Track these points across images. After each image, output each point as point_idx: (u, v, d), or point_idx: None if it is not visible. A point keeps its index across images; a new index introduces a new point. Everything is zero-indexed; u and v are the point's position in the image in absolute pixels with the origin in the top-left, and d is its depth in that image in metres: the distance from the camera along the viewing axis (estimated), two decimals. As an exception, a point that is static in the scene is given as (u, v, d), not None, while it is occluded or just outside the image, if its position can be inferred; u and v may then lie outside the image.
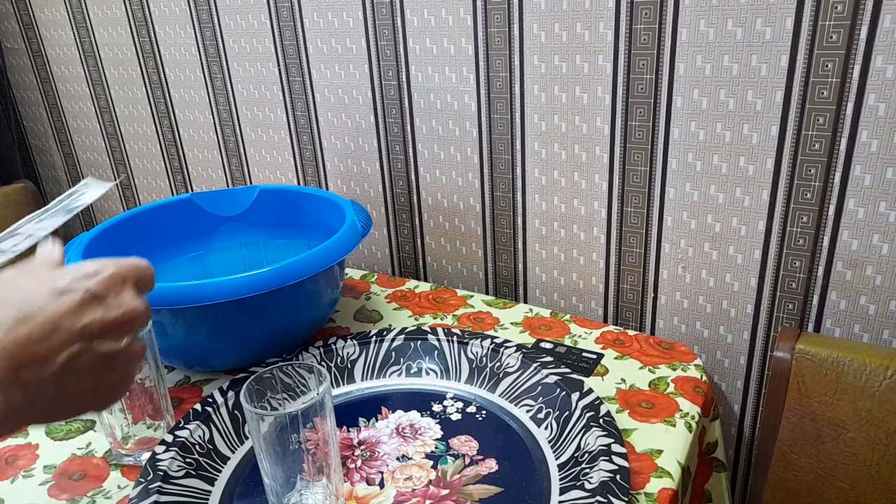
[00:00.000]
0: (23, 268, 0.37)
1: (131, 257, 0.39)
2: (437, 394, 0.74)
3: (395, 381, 0.76)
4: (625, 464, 0.58)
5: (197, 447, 0.64)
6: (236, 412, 0.69)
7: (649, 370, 0.76)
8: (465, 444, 0.66)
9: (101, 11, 1.23)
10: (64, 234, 1.59)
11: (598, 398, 0.67)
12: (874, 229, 0.73)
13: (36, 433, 0.70)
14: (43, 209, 0.53)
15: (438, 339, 0.78)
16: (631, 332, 0.84)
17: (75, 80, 1.35)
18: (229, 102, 1.16)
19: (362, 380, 0.77)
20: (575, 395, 0.67)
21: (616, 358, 0.79)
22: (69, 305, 0.34)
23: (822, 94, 0.70)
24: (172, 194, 1.35)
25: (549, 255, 0.96)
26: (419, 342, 0.78)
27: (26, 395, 0.32)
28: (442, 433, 0.68)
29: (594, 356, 0.79)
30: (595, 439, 0.61)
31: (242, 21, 1.07)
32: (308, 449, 0.52)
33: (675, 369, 0.76)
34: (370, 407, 0.72)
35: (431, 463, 0.64)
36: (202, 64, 1.16)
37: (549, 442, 0.65)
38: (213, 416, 0.67)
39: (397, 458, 0.65)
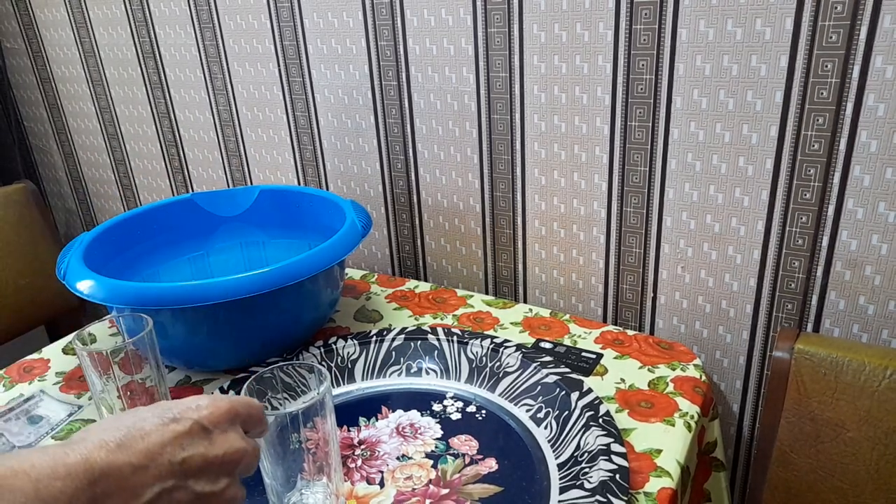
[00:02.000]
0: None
1: (246, 397, 0.38)
2: (437, 393, 0.74)
3: (395, 381, 0.76)
4: (624, 463, 0.58)
5: (197, 447, 0.64)
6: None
7: (649, 370, 0.76)
8: (465, 444, 0.66)
9: (102, 11, 1.23)
10: (64, 234, 1.59)
11: (597, 398, 0.67)
12: (873, 229, 0.73)
13: (42, 436, 0.70)
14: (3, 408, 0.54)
15: (438, 339, 0.78)
16: (630, 332, 0.84)
17: (75, 81, 1.35)
18: (229, 103, 1.16)
19: (362, 379, 0.77)
20: (574, 395, 0.67)
21: (615, 358, 0.79)
22: (175, 433, 0.32)
23: (822, 94, 0.70)
24: (173, 194, 1.35)
25: (548, 256, 0.96)
26: (419, 342, 0.79)
27: None
28: (442, 433, 0.68)
29: (594, 356, 0.79)
30: (594, 439, 0.61)
31: (242, 21, 1.07)
32: (308, 448, 0.52)
33: (674, 369, 0.76)
34: (370, 406, 0.72)
35: (431, 462, 0.64)
36: (202, 64, 1.16)
37: (549, 441, 0.65)
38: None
39: (397, 458, 0.65)
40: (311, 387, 0.57)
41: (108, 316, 0.92)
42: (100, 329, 0.65)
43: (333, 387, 0.76)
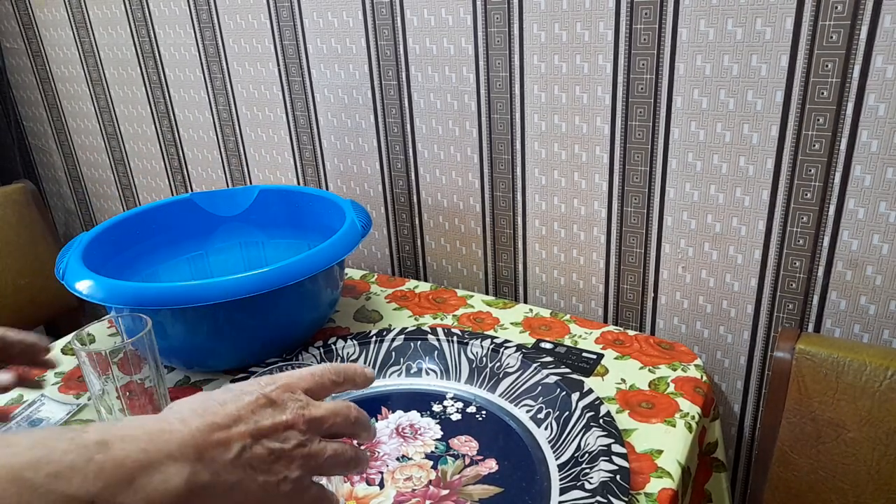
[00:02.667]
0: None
1: (310, 368, 0.44)
2: (437, 394, 0.74)
3: (395, 382, 0.76)
4: (625, 464, 0.58)
5: (197, 447, 0.64)
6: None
7: (649, 370, 0.76)
8: (465, 445, 0.66)
9: (101, 11, 1.23)
10: (63, 234, 1.59)
11: (598, 398, 0.67)
12: (874, 229, 0.73)
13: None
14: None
15: (438, 340, 0.78)
16: (631, 333, 0.84)
17: (75, 80, 1.35)
18: (229, 102, 1.16)
19: (362, 380, 0.76)
20: (575, 396, 0.67)
21: (616, 358, 0.79)
22: (246, 403, 0.39)
23: (823, 94, 0.70)
24: (172, 194, 1.34)
25: (549, 255, 0.96)
26: (419, 342, 0.78)
27: (210, 474, 0.36)
28: (442, 433, 0.68)
29: (594, 356, 0.79)
30: (595, 439, 0.61)
31: (242, 21, 1.07)
32: None
33: (675, 369, 0.76)
34: (370, 407, 0.72)
35: (431, 463, 0.64)
36: (202, 64, 1.16)
37: (549, 442, 0.65)
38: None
39: (397, 459, 0.64)
40: None
41: (108, 316, 0.92)
42: (99, 329, 0.65)
43: (333, 387, 0.75)
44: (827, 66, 0.69)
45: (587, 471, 0.59)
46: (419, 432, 0.68)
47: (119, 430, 0.34)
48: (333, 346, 0.78)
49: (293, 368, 0.55)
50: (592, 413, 0.64)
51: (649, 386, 0.73)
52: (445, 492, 0.60)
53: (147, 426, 0.35)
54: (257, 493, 0.38)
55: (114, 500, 0.32)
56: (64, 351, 0.87)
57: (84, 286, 0.70)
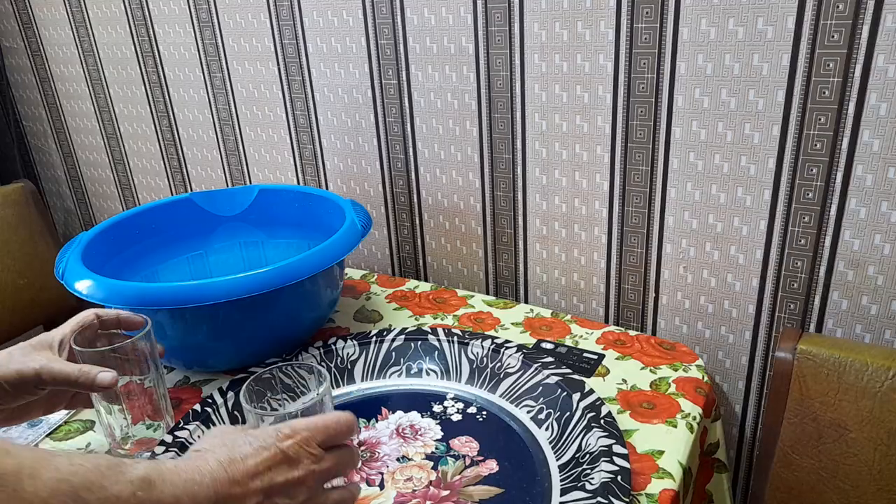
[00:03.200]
0: (229, 427, 0.50)
1: (328, 415, 0.48)
2: (437, 394, 0.73)
3: (395, 382, 0.76)
4: (626, 465, 0.58)
5: (196, 448, 0.64)
6: (236, 413, 0.69)
7: (650, 371, 0.76)
8: (466, 445, 0.66)
9: (101, 10, 1.23)
10: (63, 233, 1.59)
11: (599, 399, 0.66)
12: (876, 229, 0.73)
13: (39, 436, 0.70)
14: None
15: (439, 340, 0.78)
16: (632, 333, 0.84)
17: (74, 80, 1.35)
18: (229, 102, 1.16)
19: (362, 380, 0.76)
20: (576, 396, 0.67)
21: (617, 358, 0.78)
22: (263, 459, 0.43)
23: (824, 93, 0.70)
24: (171, 194, 1.34)
25: (549, 255, 0.95)
26: (419, 342, 0.78)
27: None
28: (442, 434, 0.67)
29: (595, 357, 0.78)
30: (596, 440, 0.61)
31: (242, 20, 1.07)
32: None
33: (676, 370, 0.76)
34: (370, 407, 0.72)
35: (432, 464, 0.64)
36: (201, 63, 1.15)
37: (550, 443, 0.65)
38: (213, 417, 0.67)
39: (397, 459, 0.64)
40: (310, 387, 0.56)
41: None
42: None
43: (333, 388, 0.75)
44: (828, 65, 0.69)
45: (588, 471, 0.58)
46: (419, 433, 0.68)
47: (162, 472, 0.40)
48: (333, 347, 0.78)
49: (292, 369, 0.56)
50: (593, 413, 0.64)
51: (650, 386, 0.73)
52: (446, 492, 0.60)
53: (182, 473, 0.40)
54: None
55: None
56: (63, 351, 0.86)
57: (83, 286, 0.70)
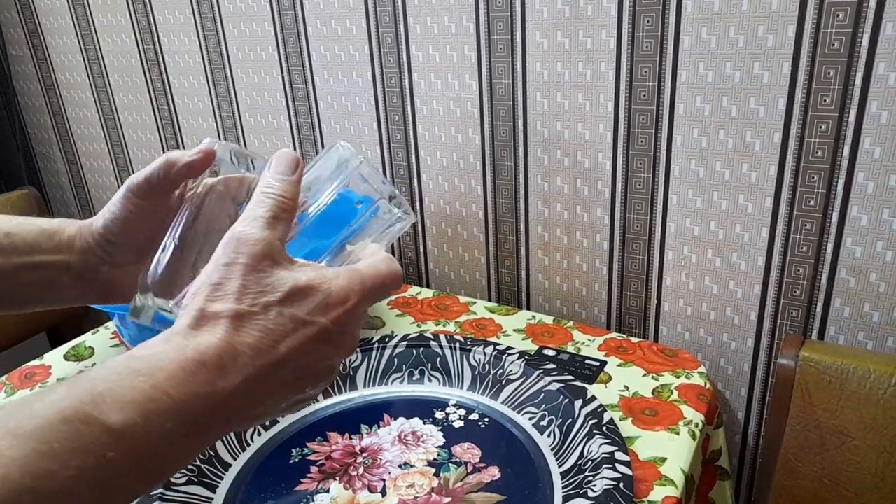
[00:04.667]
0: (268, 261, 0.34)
1: (378, 266, 0.37)
2: (439, 401, 0.74)
3: (397, 389, 0.76)
4: (628, 472, 0.58)
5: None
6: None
7: (653, 377, 0.76)
8: (468, 452, 0.66)
9: (106, 19, 1.24)
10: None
11: (601, 406, 0.66)
12: (878, 236, 0.73)
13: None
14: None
15: (441, 346, 0.78)
16: (634, 340, 0.84)
17: (79, 87, 1.36)
18: (233, 109, 1.17)
19: (364, 387, 0.76)
20: (578, 403, 0.67)
21: (619, 365, 0.78)
22: (301, 342, 0.33)
23: (825, 101, 0.70)
24: (176, 201, 1.35)
25: (551, 262, 0.96)
26: (421, 349, 0.78)
27: (241, 424, 0.33)
28: (444, 440, 0.67)
29: (597, 363, 0.78)
30: (598, 447, 0.61)
31: (246, 29, 1.08)
32: None
33: (678, 377, 0.76)
34: (372, 414, 0.72)
35: (434, 470, 0.64)
36: (206, 71, 1.16)
37: (552, 449, 0.65)
38: (216, 423, 0.67)
39: (399, 466, 0.64)
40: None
41: (109, 322, 0.92)
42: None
43: (334, 394, 0.75)
44: (829, 73, 0.69)
45: (590, 478, 0.58)
46: (421, 439, 0.68)
47: (144, 407, 0.28)
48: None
49: None
50: (595, 420, 0.64)
51: (652, 393, 0.73)
52: (448, 499, 0.60)
53: (178, 391, 0.29)
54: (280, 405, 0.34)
55: (134, 475, 0.28)
56: (66, 357, 0.87)
57: (87, 292, 0.70)
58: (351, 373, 0.77)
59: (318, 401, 0.72)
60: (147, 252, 0.44)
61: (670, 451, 0.64)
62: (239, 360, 0.31)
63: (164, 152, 1.34)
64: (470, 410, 0.72)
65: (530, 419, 0.69)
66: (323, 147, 1.10)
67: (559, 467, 0.62)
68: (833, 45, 0.68)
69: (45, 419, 0.26)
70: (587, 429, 0.63)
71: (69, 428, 0.27)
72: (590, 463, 0.60)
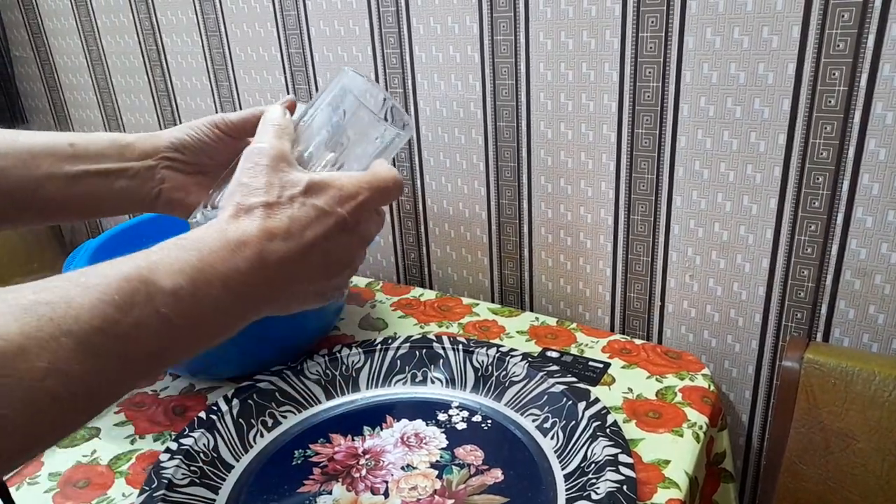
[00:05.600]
0: (287, 169, 0.40)
1: (379, 170, 0.41)
2: (442, 403, 0.73)
3: (400, 390, 0.76)
4: (632, 474, 0.58)
5: (201, 455, 0.64)
6: (241, 420, 0.69)
7: (656, 379, 0.76)
8: (471, 454, 0.66)
9: (109, 20, 1.24)
10: (70, 240, 1.60)
11: (604, 408, 0.66)
12: (883, 238, 0.72)
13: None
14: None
15: (444, 348, 0.78)
16: (638, 342, 0.84)
17: (83, 88, 1.36)
18: (235, 110, 1.16)
19: (367, 388, 0.76)
20: (581, 405, 0.67)
21: (623, 367, 0.78)
22: (325, 229, 0.38)
23: (830, 102, 0.70)
24: (178, 202, 1.35)
25: (555, 264, 0.95)
26: (424, 350, 0.78)
27: (274, 305, 0.38)
28: (447, 442, 0.67)
29: (601, 365, 0.78)
30: (602, 449, 0.61)
31: (249, 30, 1.08)
32: None
33: (682, 379, 0.76)
34: (375, 416, 0.72)
35: (436, 472, 0.63)
36: (209, 72, 1.16)
37: (556, 452, 0.65)
38: (218, 425, 0.67)
39: (402, 468, 0.64)
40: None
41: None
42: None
43: (336, 395, 0.75)
44: (834, 74, 0.69)
45: (594, 481, 0.58)
46: (424, 441, 0.68)
47: (193, 276, 0.33)
48: (338, 355, 0.78)
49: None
50: (599, 423, 0.64)
51: (656, 395, 0.73)
52: (451, 501, 0.60)
53: (221, 267, 0.34)
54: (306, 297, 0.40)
55: (182, 347, 0.34)
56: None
57: (90, 293, 0.70)
58: (354, 374, 0.77)
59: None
60: (207, 175, 0.52)
61: (674, 453, 0.64)
62: (274, 242, 0.36)
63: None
64: (473, 412, 0.72)
65: (533, 421, 0.69)
66: (326, 148, 1.09)
67: (562, 470, 0.62)
68: (838, 45, 0.67)
69: (110, 277, 0.31)
70: (590, 431, 0.63)
71: (129, 286, 0.31)
72: (593, 465, 0.60)
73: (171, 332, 0.32)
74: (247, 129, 0.51)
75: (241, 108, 1.15)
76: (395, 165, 1.03)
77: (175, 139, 0.52)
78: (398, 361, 0.78)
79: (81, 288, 0.30)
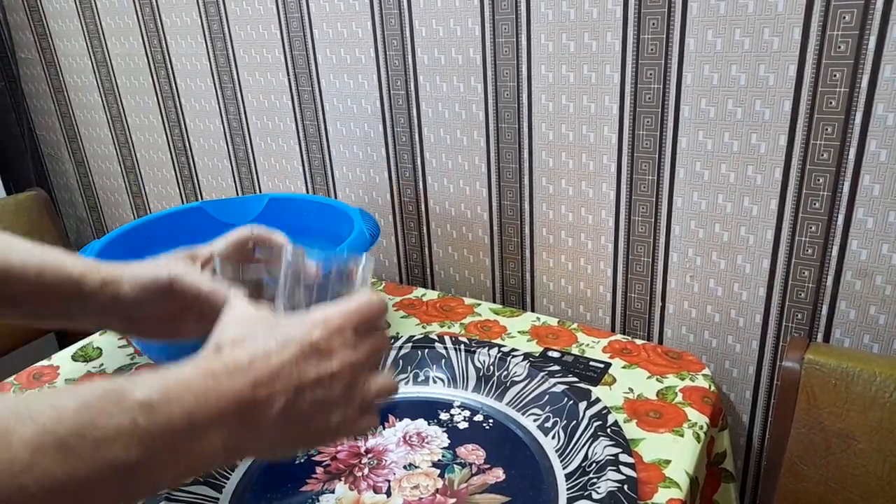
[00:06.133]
0: (253, 308, 0.42)
1: (360, 298, 0.41)
2: (444, 402, 0.74)
3: (402, 390, 0.76)
4: (632, 474, 0.58)
5: (205, 454, 0.64)
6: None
7: (657, 380, 0.76)
8: (473, 453, 0.66)
9: (114, 22, 1.25)
10: (75, 241, 1.61)
11: (605, 407, 0.67)
12: (883, 239, 0.72)
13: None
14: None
15: (446, 348, 0.78)
16: (639, 342, 0.84)
17: (87, 90, 1.37)
18: (239, 112, 1.17)
19: (370, 388, 0.77)
20: (582, 405, 0.67)
21: (624, 367, 0.78)
22: (291, 356, 0.37)
23: (831, 103, 0.70)
24: (182, 202, 1.35)
25: (556, 264, 0.96)
26: (426, 350, 0.79)
27: (248, 434, 0.36)
28: (449, 442, 0.68)
29: (602, 365, 0.78)
30: (603, 449, 0.61)
31: (253, 31, 1.08)
32: None
33: (683, 379, 0.76)
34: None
35: (438, 471, 0.64)
36: (213, 73, 1.17)
37: (557, 451, 0.65)
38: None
39: (404, 467, 0.65)
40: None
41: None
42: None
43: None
44: (835, 75, 0.69)
45: (595, 480, 0.59)
46: (426, 440, 0.68)
47: (166, 389, 0.33)
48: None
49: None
50: (600, 422, 0.64)
51: (657, 395, 0.73)
52: (452, 500, 0.60)
53: (193, 385, 0.34)
54: (301, 438, 0.38)
55: (155, 465, 0.32)
56: (74, 357, 0.87)
57: (95, 293, 0.71)
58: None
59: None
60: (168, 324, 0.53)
61: (675, 453, 0.64)
62: (238, 372, 0.36)
63: (171, 154, 1.36)
64: (475, 412, 0.72)
65: (535, 421, 0.69)
66: (329, 147, 1.10)
67: (564, 469, 0.62)
68: (839, 47, 0.68)
69: (89, 390, 0.32)
70: (592, 431, 0.64)
71: (104, 392, 0.32)
72: (594, 465, 0.60)
73: (147, 444, 0.32)
74: (204, 301, 0.51)
75: (244, 110, 1.16)
76: (396, 177, 1.03)
77: (134, 298, 0.51)
78: (400, 361, 0.78)
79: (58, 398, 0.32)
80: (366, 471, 0.64)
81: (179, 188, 1.34)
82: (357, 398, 0.39)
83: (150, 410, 0.32)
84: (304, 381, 0.37)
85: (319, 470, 0.65)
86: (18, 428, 0.29)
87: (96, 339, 0.91)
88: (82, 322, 0.53)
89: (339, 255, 0.47)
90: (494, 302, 1.04)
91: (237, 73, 1.14)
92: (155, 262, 0.53)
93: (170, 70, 1.22)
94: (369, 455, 0.66)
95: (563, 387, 0.70)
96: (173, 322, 0.53)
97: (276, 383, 0.36)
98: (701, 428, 0.68)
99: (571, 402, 0.68)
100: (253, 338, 0.38)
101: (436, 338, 0.80)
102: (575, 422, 0.66)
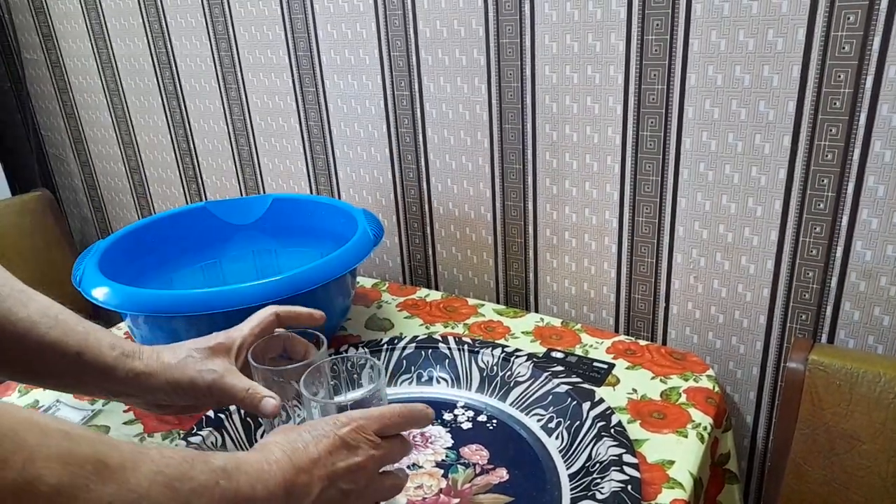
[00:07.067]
0: (287, 425, 0.50)
1: (383, 407, 0.50)
2: (447, 402, 0.74)
3: (405, 390, 0.76)
4: (636, 474, 0.58)
5: (209, 454, 0.65)
6: (248, 419, 0.69)
7: (661, 380, 0.76)
8: (476, 453, 0.66)
9: (119, 23, 1.25)
10: (79, 241, 1.61)
11: (609, 408, 0.67)
12: (888, 240, 0.72)
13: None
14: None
15: (449, 348, 0.78)
16: (642, 342, 0.84)
17: (92, 91, 1.37)
18: (243, 112, 1.17)
19: (373, 388, 0.77)
20: (586, 405, 0.67)
21: (627, 368, 0.78)
22: (325, 447, 0.45)
23: (835, 104, 0.70)
24: (187, 203, 1.36)
25: (560, 265, 0.96)
26: (430, 351, 0.79)
27: None
28: (452, 442, 0.68)
29: (605, 366, 0.78)
30: (606, 449, 0.61)
31: (257, 32, 1.09)
32: None
33: (687, 380, 0.76)
34: (381, 415, 0.72)
35: (442, 472, 0.64)
36: (217, 74, 1.17)
37: (560, 452, 0.65)
38: (226, 423, 0.68)
39: (408, 467, 0.65)
40: (363, 381, 0.58)
41: (122, 323, 0.93)
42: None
43: (343, 394, 0.76)
44: (839, 76, 0.69)
45: (598, 481, 0.59)
46: (430, 441, 0.68)
47: (238, 461, 0.42)
48: (345, 354, 0.78)
49: (343, 361, 0.58)
50: (604, 423, 0.64)
51: (661, 396, 0.73)
52: (456, 500, 0.60)
53: (253, 463, 0.42)
54: None
55: None
56: (79, 357, 0.87)
57: (100, 293, 0.71)
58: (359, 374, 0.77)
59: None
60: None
61: (678, 454, 0.64)
62: (284, 459, 0.44)
63: (175, 155, 1.36)
64: (478, 412, 0.72)
65: (538, 421, 0.69)
66: (333, 147, 1.10)
67: (567, 469, 0.63)
68: (843, 47, 0.68)
69: (181, 449, 0.41)
70: (595, 431, 0.64)
71: (192, 453, 0.41)
72: (598, 465, 0.60)
73: (225, 497, 0.40)
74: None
75: (249, 111, 1.16)
76: (400, 178, 1.03)
77: (174, 386, 0.55)
78: (404, 361, 0.78)
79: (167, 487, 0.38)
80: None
81: (184, 188, 1.35)
82: (379, 493, 0.48)
83: (227, 476, 0.40)
84: (336, 470, 0.45)
85: (323, 470, 0.65)
86: (141, 465, 0.36)
87: (101, 338, 0.91)
88: (108, 397, 0.61)
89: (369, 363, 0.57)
90: (498, 302, 1.04)
91: (241, 74, 1.14)
92: (190, 356, 0.56)
93: (174, 71, 1.22)
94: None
95: (566, 387, 0.70)
96: (197, 408, 0.60)
97: (313, 470, 0.44)
98: (705, 429, 0.68)
99: (575, 402, 0.68)
100: (294, 435, 0.46)
101: (439, 338, 0.80)
102: (578, 422, 0.66)
